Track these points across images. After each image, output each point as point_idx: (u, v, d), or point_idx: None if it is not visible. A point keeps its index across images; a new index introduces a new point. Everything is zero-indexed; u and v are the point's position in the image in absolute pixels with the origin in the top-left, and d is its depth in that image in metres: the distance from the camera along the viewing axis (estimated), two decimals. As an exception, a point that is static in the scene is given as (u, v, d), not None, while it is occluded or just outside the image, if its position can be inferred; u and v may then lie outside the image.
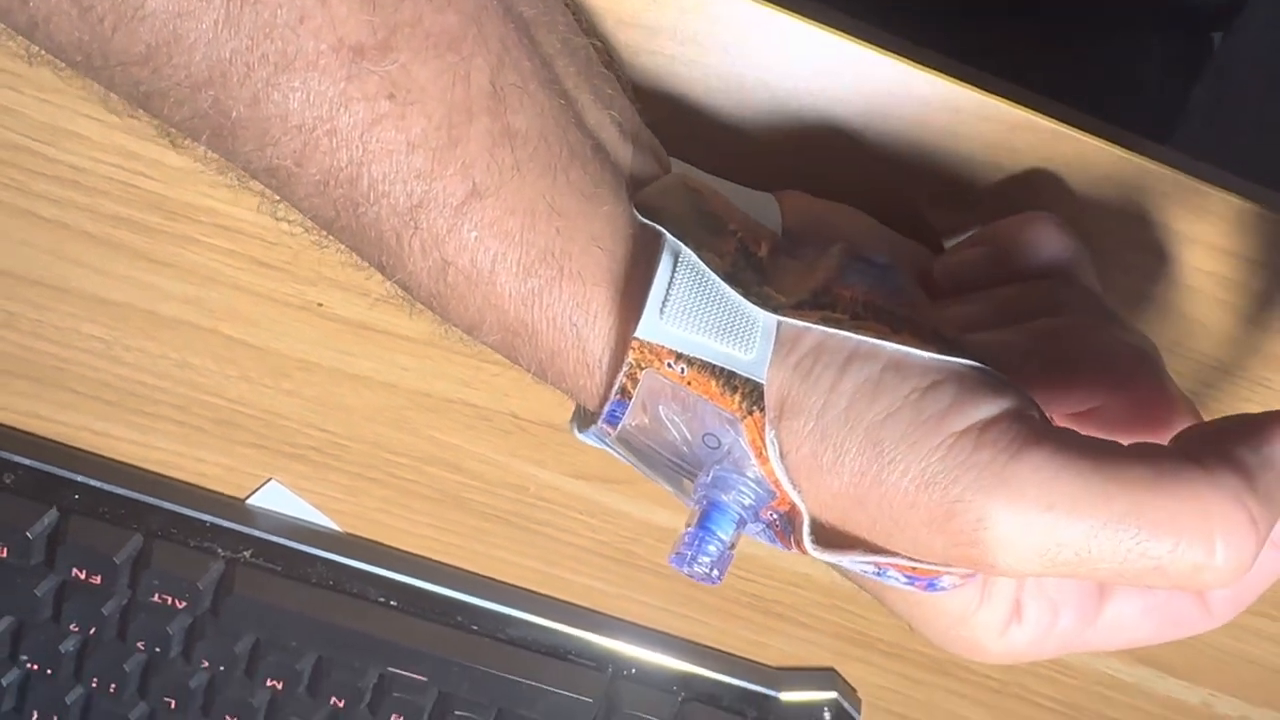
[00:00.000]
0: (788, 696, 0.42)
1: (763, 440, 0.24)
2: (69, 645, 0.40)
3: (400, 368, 0.37)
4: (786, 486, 0.24)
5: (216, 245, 0.35)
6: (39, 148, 0.33)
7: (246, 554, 0.39)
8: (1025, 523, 0.22)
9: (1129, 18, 0.47)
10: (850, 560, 0.24)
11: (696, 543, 0.24)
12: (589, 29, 0.27)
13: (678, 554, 0.25)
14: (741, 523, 0.25)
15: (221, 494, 0.40)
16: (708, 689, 0.42)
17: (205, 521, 0.39)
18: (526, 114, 0.24)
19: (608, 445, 0.27)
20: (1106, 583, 0.23)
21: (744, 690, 0.42)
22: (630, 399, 0.24)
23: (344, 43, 0.22)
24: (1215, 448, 0.23)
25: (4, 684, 0.40)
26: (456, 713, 0.41)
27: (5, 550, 0.38)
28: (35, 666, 0.40)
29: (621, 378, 0.24)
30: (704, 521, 0.24)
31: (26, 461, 0.38)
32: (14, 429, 0.39)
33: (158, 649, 0.39)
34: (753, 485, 0.24)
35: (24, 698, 0.40)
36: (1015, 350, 0.26)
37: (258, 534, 0.39)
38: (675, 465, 0.26)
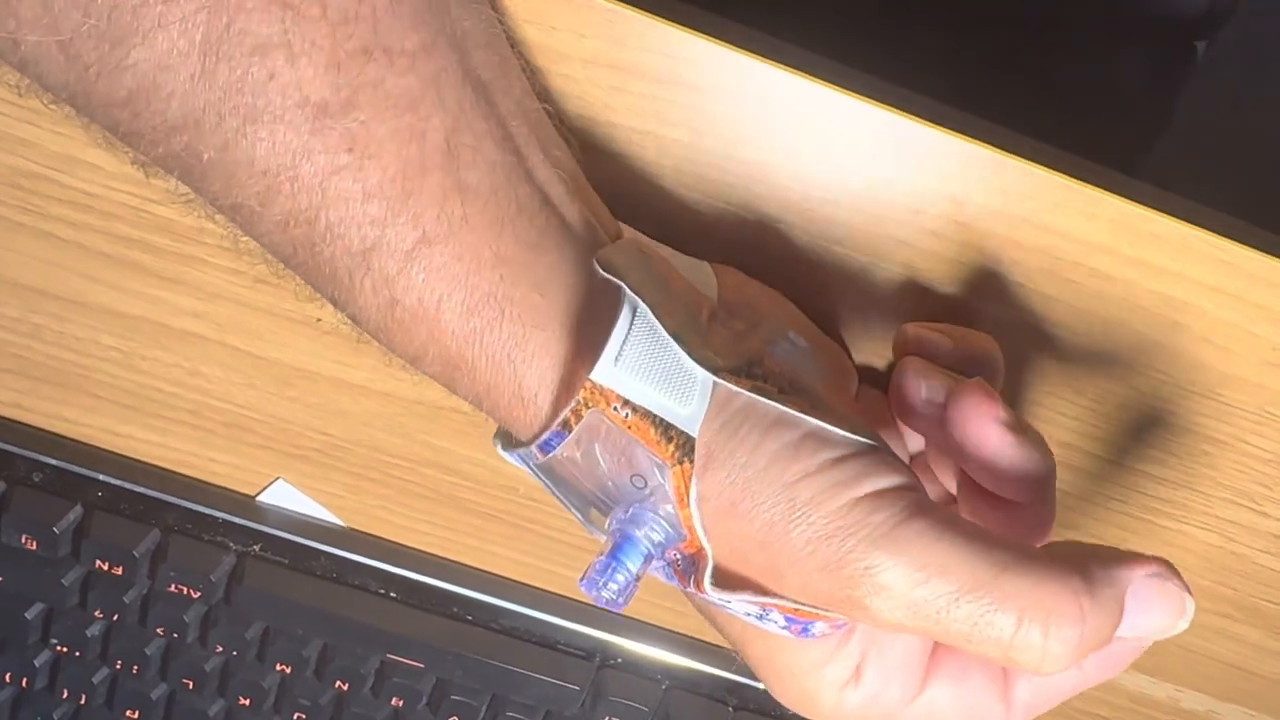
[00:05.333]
0: (766, 686, 0.44)
1: (687, 487, 0.26)
2: (94, 630, 0.42)
3: (394, 378, 0.39)
4: (699, 531, 0.27)
5: (221, 264, 0.37)
6: (56, 175, 0.36)
7: (256, 548, 0.42)
8: (902, 576, 0.25)
9: (1111, 28, 0.48)
10: (740, 599, 0.27)
11: (608, 570, 0.27)
12: (541, 94, 0.29)
13: (588, 579, 0.27)
14: (649, 558, 0.27)
15: (232, 491, 0.42)
16: (690, 678, 0.44)
17: (217, 517, 0.42)
18: (478, 170, 0.26)
19: (528, 466, 0.29)
20: (956, 646, 0.26)
21: (725, 680, 0.44)
22: (569, 432, 0.26)
23: (309, 100, 0.24)
24: (1073, 557, 0.26)
25: (37, 664, 0.43)
26: (452, 698, 0.43)
27: (35, 543, 0.40)
28: (64, 649, 0.43)
29: (567, 412, 0.26)
30: (615, 552, 0.27)
31: (53, 461, 0.41)
32: (41, 430, 0.41)
33: (175, 635, 0.42)
34: (665, 525, 0.27)
35: (55, 677, 0.44)
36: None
37: (266, 529, 0.42)
38: (593, 497, 0.28)
